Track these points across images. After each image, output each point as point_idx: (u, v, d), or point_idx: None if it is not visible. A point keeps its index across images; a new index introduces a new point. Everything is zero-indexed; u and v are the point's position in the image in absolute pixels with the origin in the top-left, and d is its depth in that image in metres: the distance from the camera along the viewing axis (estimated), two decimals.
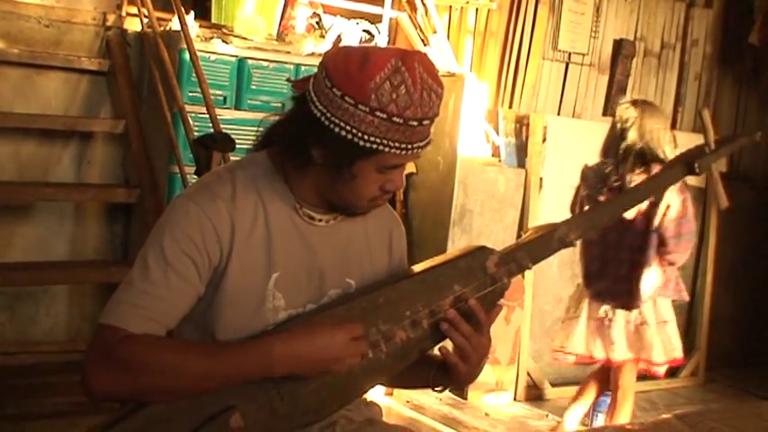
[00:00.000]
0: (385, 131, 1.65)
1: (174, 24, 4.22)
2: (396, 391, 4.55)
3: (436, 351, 1.88)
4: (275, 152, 1.81)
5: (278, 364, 1.66)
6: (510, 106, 4.93)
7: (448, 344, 1.85)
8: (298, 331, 1.71)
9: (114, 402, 1.70)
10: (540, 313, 5.00)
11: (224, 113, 4.13)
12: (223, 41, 4.31)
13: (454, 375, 1.86)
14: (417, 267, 1.91)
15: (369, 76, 1.63)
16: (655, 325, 3.83)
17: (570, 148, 4.92)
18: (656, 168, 3.70)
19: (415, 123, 1.66)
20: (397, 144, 1.67)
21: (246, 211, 1.74)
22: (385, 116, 1.64)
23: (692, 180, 5.30)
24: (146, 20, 4.32)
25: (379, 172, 1.72)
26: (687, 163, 2.13)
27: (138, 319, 1.64)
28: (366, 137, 1.65)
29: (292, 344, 1.67)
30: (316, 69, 1.74)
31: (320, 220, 1.82)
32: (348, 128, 1.65)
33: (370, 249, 1.91)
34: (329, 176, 1.73)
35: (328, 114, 1.66)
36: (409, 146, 1.68)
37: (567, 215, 3.48)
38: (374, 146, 1.66)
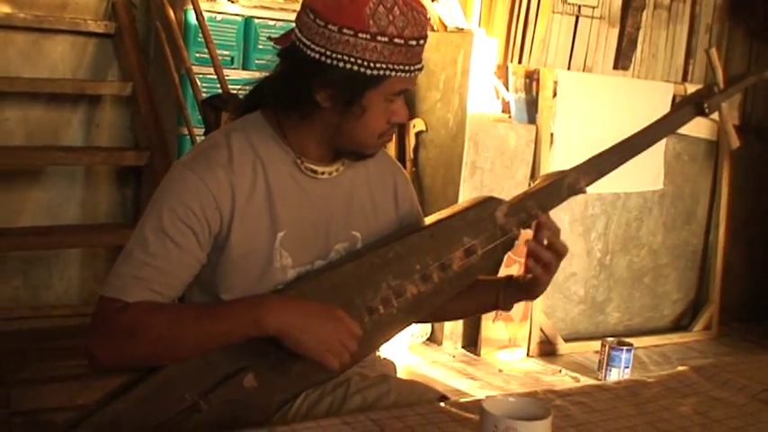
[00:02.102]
0: (388, 55, 1.66)
1: None
2: (408, 347, 4.56)
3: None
4: (269, 111, 1.80)
5: (270, 322, 1.64)
6: (519, 61, 4.88)
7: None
8: (294, 298, 1.71)
9: (118, 371, 1.72)
10: None
11: (232, 74, 4.11)
12: (229, 0, 4.28)
13: (535, 288, 1.88)
14: (426, 220, 1.91)
15: (362, 3, 1.64)
16: None
17: (581, 103, 4.88)
18: None
19: (413, 43, 1.68)
20: (400, 67, 1.68)
21: (245, 173, 1.73)
22: (386, 39, 1.65)
23: (703, 133, 5.28)
24: None
25: (387, 101, 1.72)
26: (696, 103, 2.10)
27: (139, 290, 1.65)
28: (372, 64, 1.65)
29: (286, 305, 1.67)
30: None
31: (323, 173, 1.80)
32: (353, 59, 1.65)
33: (373, 201, 1.90)
34: (337, 118, 1.72)
35: (328, 52, 1.65)
36: (411, 67, 1.70)
37: None
38: (380, 72, 1.66)
